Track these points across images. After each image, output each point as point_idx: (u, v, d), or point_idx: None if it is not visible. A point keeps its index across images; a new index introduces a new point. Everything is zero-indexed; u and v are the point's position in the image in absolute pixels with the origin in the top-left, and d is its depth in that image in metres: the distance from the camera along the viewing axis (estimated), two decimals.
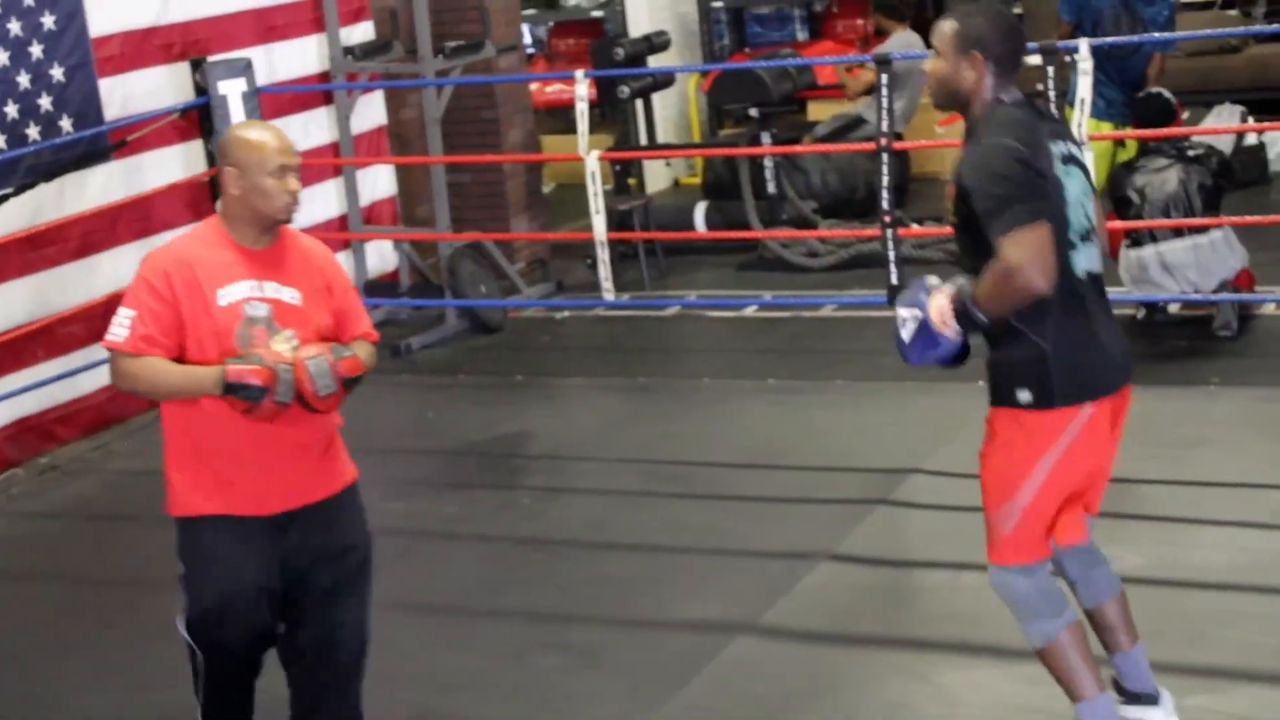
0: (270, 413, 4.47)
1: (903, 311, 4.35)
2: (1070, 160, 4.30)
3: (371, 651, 5.68)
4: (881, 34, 11.42)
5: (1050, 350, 4.26)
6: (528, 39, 13.34)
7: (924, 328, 4.30)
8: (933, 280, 4.38)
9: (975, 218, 4.20)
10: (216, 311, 4.50)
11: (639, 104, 11.36)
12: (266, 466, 4.57)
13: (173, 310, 4.48)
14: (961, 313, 4.22)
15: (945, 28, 4.34)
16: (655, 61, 11.36)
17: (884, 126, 7.90)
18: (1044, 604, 4.47)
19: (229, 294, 4.53)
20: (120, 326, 4.48)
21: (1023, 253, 4.07)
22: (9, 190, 8.05)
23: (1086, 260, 4.29)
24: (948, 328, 4.27)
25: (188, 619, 4.67)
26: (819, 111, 12.19)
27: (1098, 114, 8.28)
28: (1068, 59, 8.06)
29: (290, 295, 4.60)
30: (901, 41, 10.90)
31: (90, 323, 8.53)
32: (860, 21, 13.60)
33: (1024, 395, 4.31)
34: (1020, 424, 4.35)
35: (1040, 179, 4.18)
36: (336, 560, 4.68)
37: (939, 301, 4.27)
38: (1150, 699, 4.69)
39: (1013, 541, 4.43)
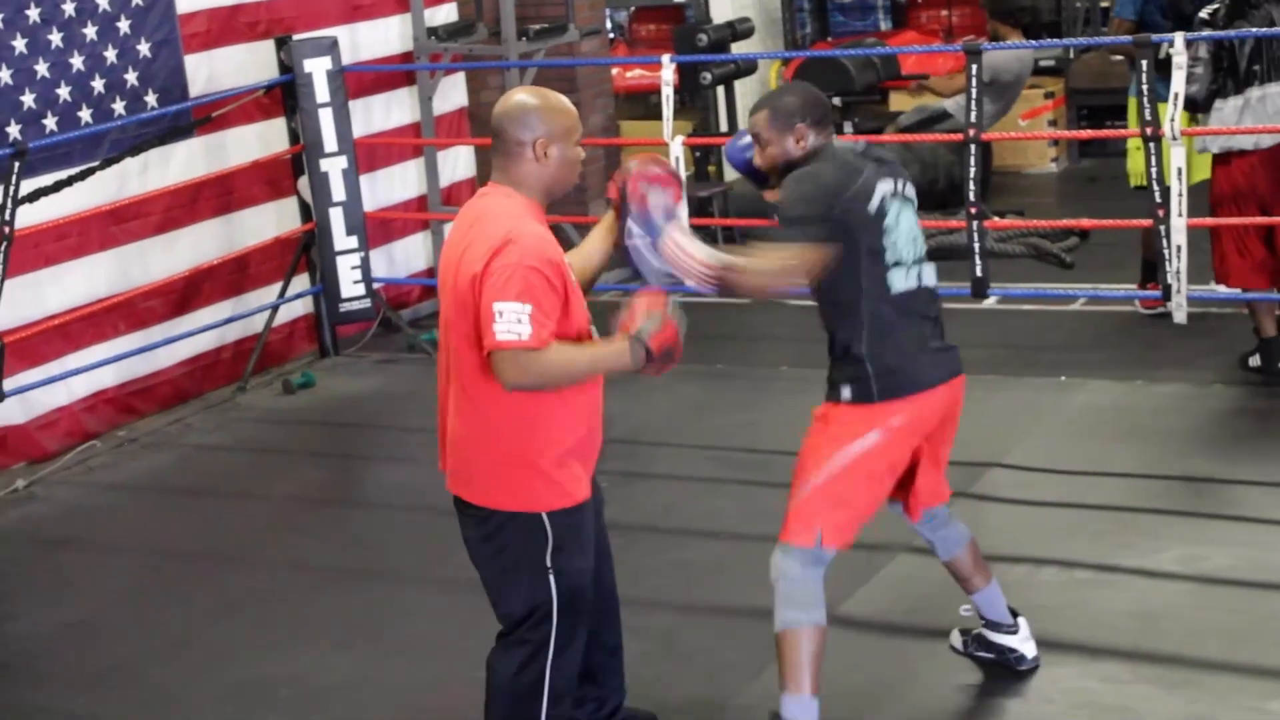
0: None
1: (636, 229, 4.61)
2: (899, 197, 4.77)
3: (451, 631, 5.85)
4: (995, 40, 11.27)
5: (865, 355, 4.75)
6: (609, 24, 13.29)
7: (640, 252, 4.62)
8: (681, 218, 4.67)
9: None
10: (575, 287, 4.40)
11: (720, 91, 11.30)
12: (597, 438, 4.61)
13: (561, 298, 4.28)
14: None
15: (760, 118, 4.85)
16: (738, 49, 11.29)
17: (973, 117, 7.81)
18: (801, 596, 4.71)
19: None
20: (519, 324, 4.15)
21: (789, 265, 4.62)
22: (94, 164, 8.08)
23: (906, 281, 4.76)
24: (667, 260, 4.60)
25: (558, 605, 4.46)
26: (902, 103, 12.09)
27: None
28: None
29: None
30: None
31: (170, 297, 8.65)
32: (944, 12, 13.47)
33: (845, 392, 4.79)
34: (838, 415, 4.81)
35: (844, 210, 4.66)
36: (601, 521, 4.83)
37: (680, 240, 4.59)
38: (1010, 628, 5.24)
39: (793, 518, 4.75)
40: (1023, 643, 5.24)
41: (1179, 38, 7.43)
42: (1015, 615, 5.25)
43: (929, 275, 4.85)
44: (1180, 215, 7.49)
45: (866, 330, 4.73)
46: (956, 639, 5.38)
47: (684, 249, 4.55)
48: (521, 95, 4.43)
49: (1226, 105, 7.57)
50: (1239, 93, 7.54)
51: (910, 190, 4.85)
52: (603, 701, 4.86)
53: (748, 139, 4.96)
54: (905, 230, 4.77)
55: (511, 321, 4.15)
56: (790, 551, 4.73)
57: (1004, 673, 5.24)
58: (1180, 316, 7.65)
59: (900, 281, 4.75)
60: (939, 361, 4.85)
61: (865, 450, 4.76)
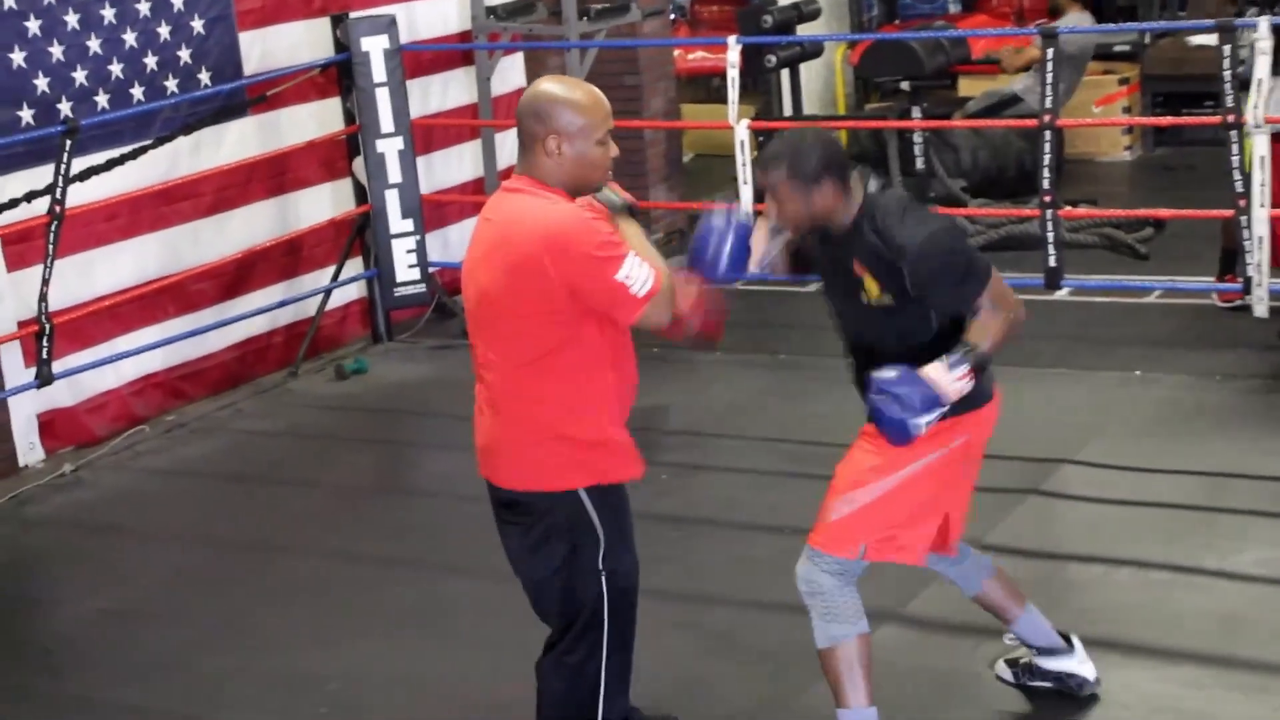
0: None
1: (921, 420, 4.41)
2: None
3: (503, 622, 5.76)
4: (1055, 13, 11.07)
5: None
6: (671, 4, 13.17)
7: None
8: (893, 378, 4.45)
9: (915, 294, 4.47)
10: None
11: (784, 74, 11.15)
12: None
13: None
14: (979, 367, 4.46)
15: (775, 177, 4.51)
16: (804, 31, 11.15)
17: (1048, 103, 7.64)
18: (843, 608, 4.56)
19: None
20: (640, 271, 4.16)
21: (1010, 298, 4.54)
22: (146, 143, 8.04)
23: None
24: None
25: (619, 586, 4.40)
26: (971, 87, 11.91)
27: None
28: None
29: None
30: (1076, 21, 10.57)
31: (222, 279, 8.63)
32: None
33: None
34: None
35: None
36: None
37: (944, 375, 4.40)
38: (1064, 651, 5.00)
39: (838, 529, 4.55)
40: (1081, 664, 5.02)
41: (1264, 22, 7.25)
42: (1067, 637, 5.04)
43: None
44: (1262, 205, 7.37)
45: (941, 347, 4.47)
46: (1005, 670, 5.14)
47: (951, 389, 4.41)
48: (545, 85, 4.32)
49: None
50: None
51: None
52: None
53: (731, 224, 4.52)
54: None
55: (637, 278, 4.15)
56: (822, 560, 4.56)
57: None
58: (1261, 310, 7.54)
59: None
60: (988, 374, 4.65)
61: (926, 466, 4.55)
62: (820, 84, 13.10)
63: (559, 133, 4.22)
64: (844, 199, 4.52)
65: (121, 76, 8.01)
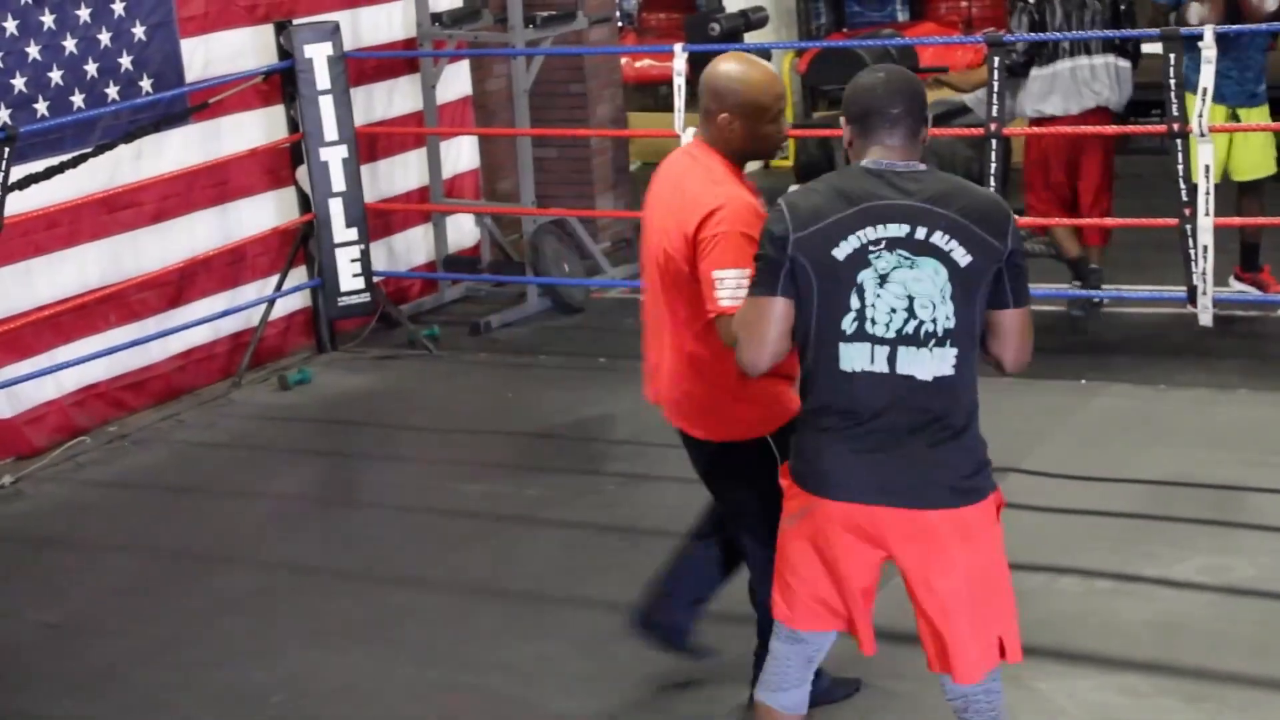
0: None
1: None
2: (903, 245, 3.83)
3: (449, 635, 5.89)
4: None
5: (799, 426, 4.07)
6: (618, 11, 13.19)
7: None
8: None
9: None
10: None
11: None
12: None
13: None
14: None
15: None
16: (751, 39, 11.16)
17: (994, 112, 7.67)
18: (771, 678, 4.24)
19: None
20: (738, 289, 4.23)
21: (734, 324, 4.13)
22: (86, 150, 7.98)
23: (863, 359, 3.88)
24: None
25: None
26: None
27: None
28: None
29: None
30: None
31: (164, 289, 8.59)
32: (963, 3, 13.37)
33: (790, 453, 4.13)
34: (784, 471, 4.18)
35: (794, 257, 3.88)
36: None
37: None
38: None
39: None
40: None
41: (1208, 30, 7.29)
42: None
43: (916, 363, 3.87)
44: (1207, 214, 7.41)
45: (808, 401, 4.02)
46: None
47: None
48: (724, 64, 4.56)
49: (1040, 75, 8.37)
50: (1049, 64, 8.34)
51: (945, 239, 3.82)
52: None
53: None
54: (898, 295, 3.85)
55: (732, 287, 4.30)
56: (777, 624, 4.23)
57: (1017, 685, 5.11)
58: (1206, 319, 7.58)
59: (855, 359, 3.91)
60: (875, 477, 3.91)
61: (791, 527, 4.10)
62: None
63: (731, 111, 4.47)
64: (853, 148, 4.10)
65: (61, 83, 7.94)
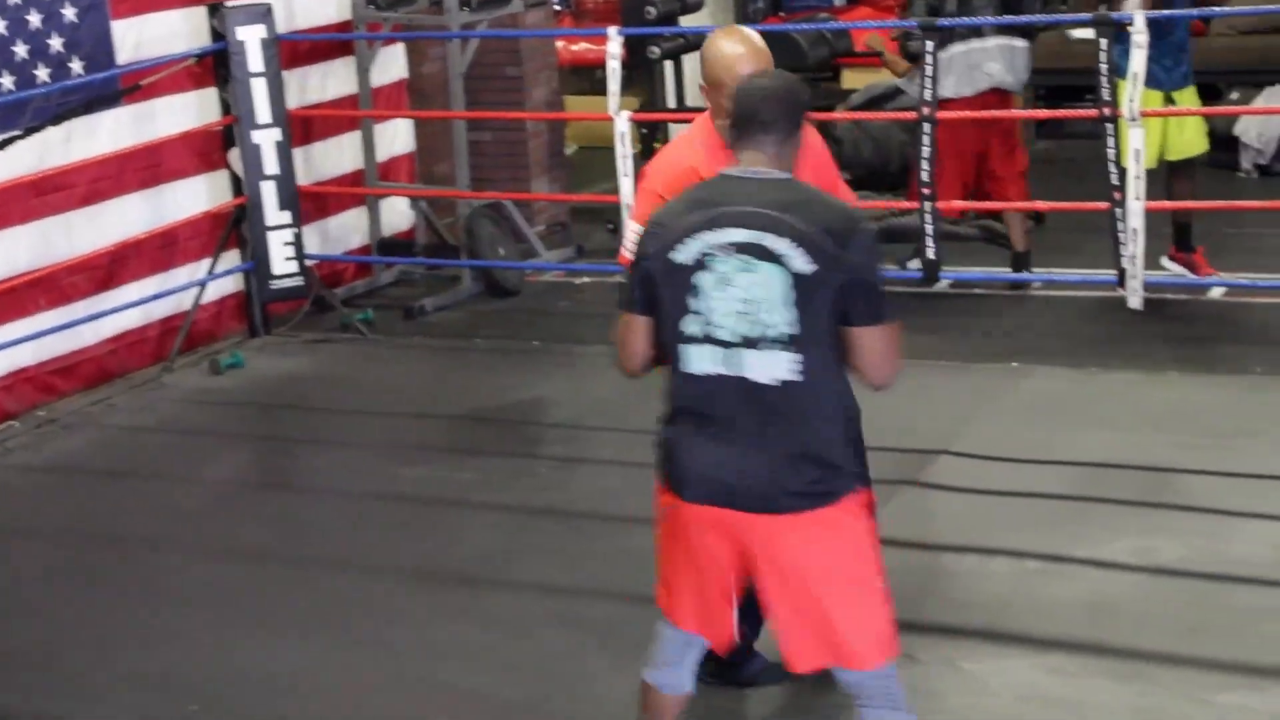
0: None
1: None
2: (743, 251, 3.88)
3: (381, 619, 5.88)
4: None
5: (662, 428, 4.13)
6: None
7: None
8: None
9: None
10: None
11: (668, 66, 11.17)
12: None
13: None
14: None
15: None
16: (687, 22, 11.17)
17: (927, 95, 7.72)
18: (652, 653, 4.32)
19: None
20: (628, 242, 4.46)
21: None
22: (15, 133, 7.93)
23: (706, 363, 3.95)
24: None
25: None
26: (854, 80, 11.99)
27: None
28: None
29: None
30: None
31: (94, 272, 8.56)
32: None
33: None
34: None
35: (645, 265, 4.01)
36: None
37: None
38: None
39: None
40: None
41: (1139, 16, 7.38)
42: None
43: (759, 366, 3.92)
44: (1138, 199, 7.49)
45: (670, 406, 4.10)
46: None
47: None
48: (714, 37, 4.63)
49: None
50: (944, 47, 8.34)
51: (783, 246, 3.84)
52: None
53: None
54: (736, 299, 3.91)
55: (629, 240, 4.40)
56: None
57: (947, 666, 5.22)
58: (1136, 302, 7.67)
59: (702, 362, 3.97)
60: (733, 478, 3.97)
61: (663, 523, 4.19)
62: None
63: (707, 82, 4.60)
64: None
65: None
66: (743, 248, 3.86)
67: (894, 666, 4.15)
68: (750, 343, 3.88)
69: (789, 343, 3.86)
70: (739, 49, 4.54)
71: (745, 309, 3.87)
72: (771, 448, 3.93)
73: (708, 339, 3.92)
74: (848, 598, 4.02)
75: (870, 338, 3.89)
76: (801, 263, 3.82)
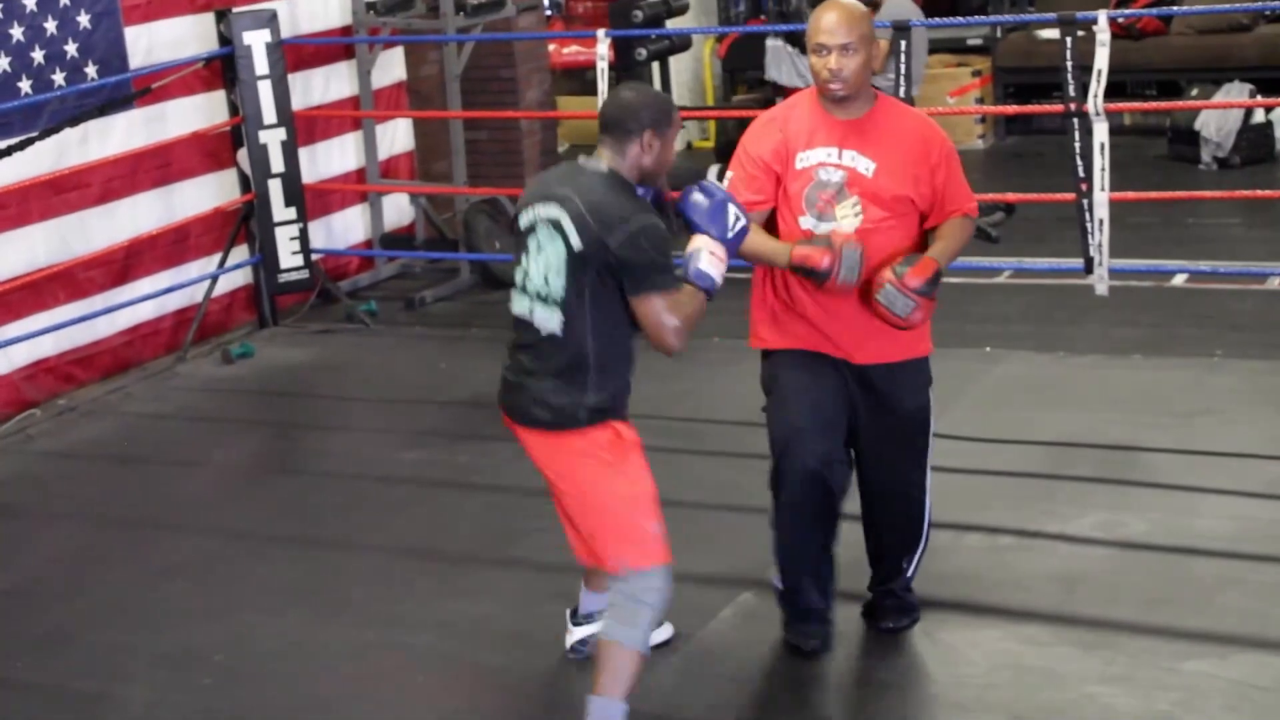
0: (837, 289, 4.87)
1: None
2: (550, 224, 4.64)
3: (386, 596, 5.88)
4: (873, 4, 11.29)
5: None
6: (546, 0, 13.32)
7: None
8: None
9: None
10: (793, 173, 4.93)
11: (655, 67, 11.33)
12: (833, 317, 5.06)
13: (766, 170, 4.95)
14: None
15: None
16: (672, 25, 11.28)
17: (901, 92, 7.90)
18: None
19: (807, 158, 4.92)
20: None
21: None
22: (33, 134, 8.05)
23: (521, 307, 4.74)
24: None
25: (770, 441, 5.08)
26: None
27: None
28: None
29: (865, 165, 4.89)
30: (895, 7, 10.78)
31: (110, 267, 8.62)
32: None
33: None
34: None
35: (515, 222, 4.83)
36: (891, 417, 5.12)
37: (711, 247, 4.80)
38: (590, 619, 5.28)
39: None
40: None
41: (1103, 15, 7.54)
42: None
43: (542, 318, 4.69)
44: (1103, 190, 7.56)
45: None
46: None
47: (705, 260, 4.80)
48: (818, 7, 4.94)
49: (773, 45, 8.79)
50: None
51: (569, 224, 4.60)
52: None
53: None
54: (537, 261, 4.67)
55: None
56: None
57: (925, 638, 5.30)
58: (1102, 289, 7.72)
59: (520, 306, 4.77)
60: (514, 398, 4.81)
61: None
62: (689, 76, 13.27)
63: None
64: None
65: (9, 70, 8.02)
66: (550, 222, 4.64)
67: (652, 579, 4.65)
68: (540, 298, 4.67)
69: (559, 304, 4.62)
70: (824, 16, 4.84)
71: (544, 270, 4.64)
72: (539, 380, 4.69)
73: (524, 289, 4.72)
74: (590, 505, 4.77)
75: (642, 306, 4.59)
76: (575, 240, 4.58)
